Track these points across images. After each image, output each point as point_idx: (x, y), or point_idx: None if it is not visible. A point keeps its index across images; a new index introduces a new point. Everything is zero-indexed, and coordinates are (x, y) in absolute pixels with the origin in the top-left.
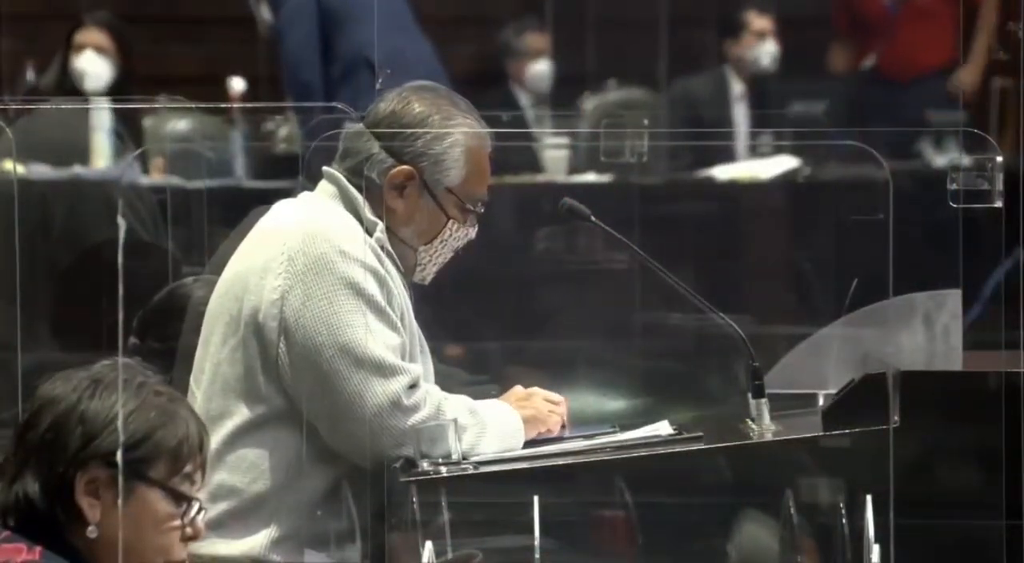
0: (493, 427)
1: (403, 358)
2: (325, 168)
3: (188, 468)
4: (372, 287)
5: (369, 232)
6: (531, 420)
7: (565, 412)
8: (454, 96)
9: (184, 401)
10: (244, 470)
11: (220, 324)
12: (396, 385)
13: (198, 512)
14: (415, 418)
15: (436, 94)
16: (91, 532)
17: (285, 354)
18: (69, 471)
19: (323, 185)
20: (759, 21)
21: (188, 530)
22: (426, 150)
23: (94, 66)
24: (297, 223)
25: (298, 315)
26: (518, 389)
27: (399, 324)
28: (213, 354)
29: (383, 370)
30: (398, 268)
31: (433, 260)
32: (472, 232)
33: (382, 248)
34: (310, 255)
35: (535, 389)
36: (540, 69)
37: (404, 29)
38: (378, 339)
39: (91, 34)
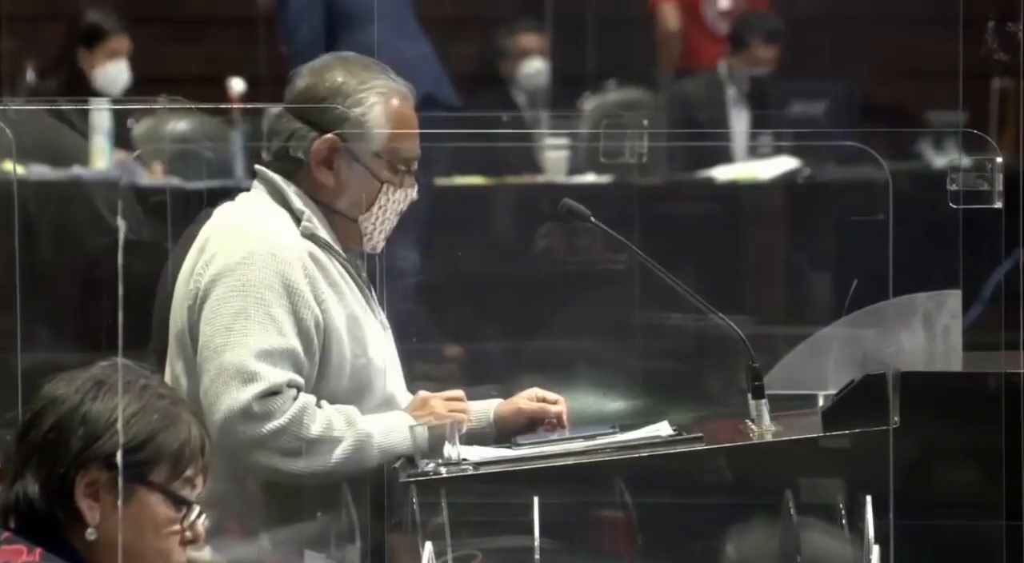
0: (375, 439)
1: (292, 364)
2: (256, 166)
3: (189, 472)
4: (268, 293)
5: (298, 221)
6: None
7: (467, 410)
8: (365, 60)
9: (187, 404)
10: (232, 476)
11: (172, 338)
12: (248, 392)
13: (198, 516)
14: (268, 426)
15: (347, 61)
16: (90, 534)
17: None
18: (69, 472)
19: (255, 183)
20: (764, 50)
21: (188, 534)
22: (346, 117)
23: (124, 74)
24: (221, 230)
25: (197, 318)
26: (419, 397)
27: (291, 329)
28: (171, 370)
29: (243, 376)
30: (335, 253)
31: (377, 227)
32: (412, 193)
33: (311, 236)
34: (219, 262)
35: (436, 395)
36: (532, 67)
37: (405, 30)
38: (252, 343)
39: (123, 42)
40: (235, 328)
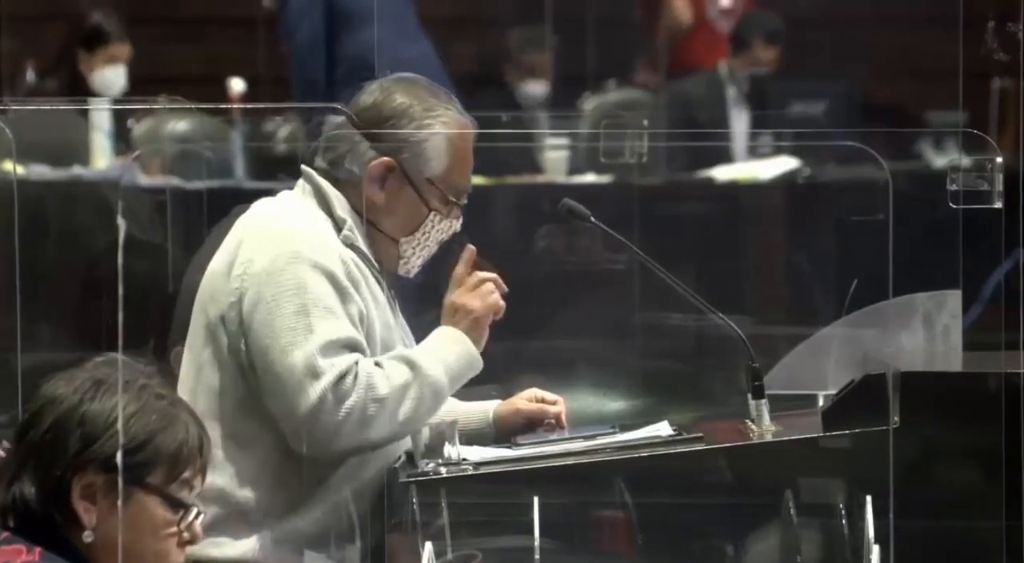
0: (438, 369)
1: (353, 348)
2: (302, 167)
3: (187, 473)
4: (319, 287)
5: (338, 228)
6: (474, 327)
7: (501, 289)
8: (435, 87)
9: (185, 404)
10: (233, 473)
11: (199, 327)
12: (321, 385)
13: (196, 517)
14: (345, 407)
15: (417, 85)
16: (87, 537)
17: (246, 357)
18: (66, 475)
19: (299, 183)
20: (764, 50)
21: (186, 535)
22: (407, 141)
23: (121, 79)
24: (262, 225)
25: (250, 319)
26: (447, 304)
27: (351, 321)
28: (195, 358)
29: (315, 371)
30: (372, 264)
31: (416, 253)
32: (456, 224)
33: (351, 245)
34: (264, 258)
35: (462, 290)
36: (536, 89)
37: (405, 30)
38: (315, 338)
39: (124, 49)
40: (298, 327)
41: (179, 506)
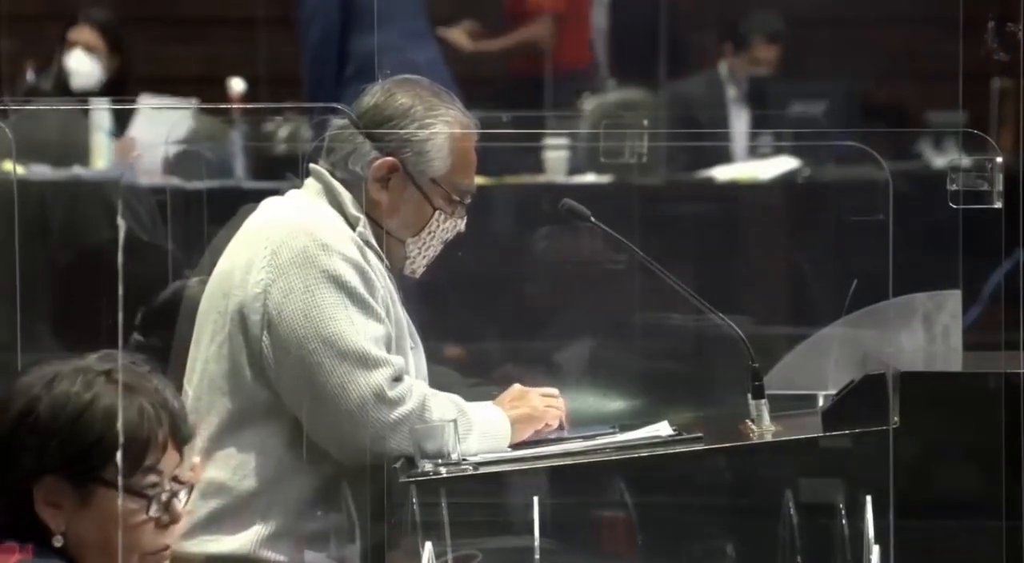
0: (479, 427)
1: (388, 350)
2: (311, 165)
3: (149, 460)
4: (354, 280)
5: (352, 226)
6: (525, 419)
7: (563, 407)
8: (437, 88)
9: (148, 388)
10: (233, 467)
11: (209, 321)
12: (379, 377)
13: (169, 500)
14: (399, 411)
15: (419, 86)
16: (56, 542)
17: (268, 347)
18: (25, 484)
19: (309, 182)
20: (765, 51)
21: (164, 518)
22: (409, 140)
23: (82, 65)
24: (281, 219)
25: (280, 308)
26: (515, 388)
27: (383, 316)
28: (203, 351)
29: (366, 362)
30: (384, 262)
31: (422, 252)
32: (461, 224)
33: (366, 242)
34: (292, 249)
35: (533, 389)
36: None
37: (417, 33)
38: (361, 331)
39: (82, 32)
40: (339, 317)
41: (141, 496)
